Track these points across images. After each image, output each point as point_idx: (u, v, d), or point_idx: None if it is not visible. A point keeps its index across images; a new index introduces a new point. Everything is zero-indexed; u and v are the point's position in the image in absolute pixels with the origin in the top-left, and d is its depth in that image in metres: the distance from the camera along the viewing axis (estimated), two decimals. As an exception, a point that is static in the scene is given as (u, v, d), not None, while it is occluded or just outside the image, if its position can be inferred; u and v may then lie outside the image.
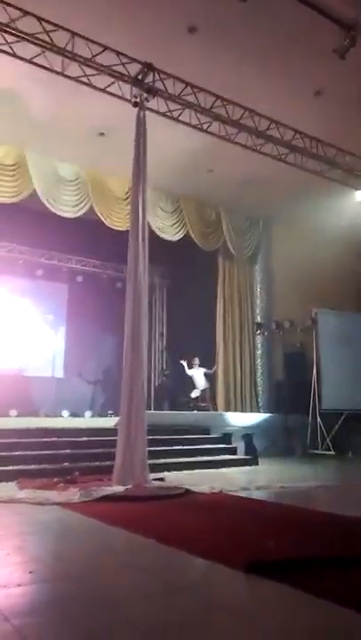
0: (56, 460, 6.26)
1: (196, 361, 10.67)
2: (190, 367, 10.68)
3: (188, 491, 5.06)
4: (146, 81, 6.42)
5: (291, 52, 6.56)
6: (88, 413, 10.35)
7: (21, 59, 5.87)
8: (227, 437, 8.30)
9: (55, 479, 5.54)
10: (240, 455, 7.96)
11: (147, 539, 3.34)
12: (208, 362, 10.87)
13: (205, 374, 10.71)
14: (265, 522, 3.94)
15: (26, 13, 5.58)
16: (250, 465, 7.61)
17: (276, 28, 6.21)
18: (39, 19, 5.67)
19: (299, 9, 5.79)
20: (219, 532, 3.57)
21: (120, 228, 9.21)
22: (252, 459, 7.79)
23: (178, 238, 10.26)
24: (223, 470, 7.08)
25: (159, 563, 2.95)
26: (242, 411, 10.74)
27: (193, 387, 10.71)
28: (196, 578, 2.66)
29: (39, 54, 5.91)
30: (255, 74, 6.90)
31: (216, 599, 2.40)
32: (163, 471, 6.34)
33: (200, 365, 10.70)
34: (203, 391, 10.67)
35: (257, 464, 7.72)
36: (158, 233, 9.73)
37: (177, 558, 2.97)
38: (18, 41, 5.71)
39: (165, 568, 2.84)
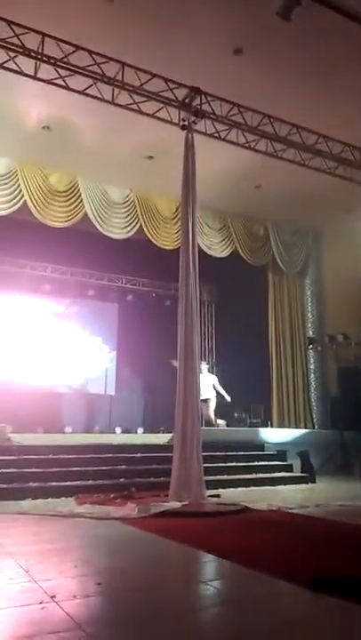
0: (112, 475, 6.36)
1: (203, 366, 9.49)
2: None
3: (246, 508, 5.02)
4: (193, 104, 6.60)
5: (337, 68, 6.59)
6: (140, 430, 10.46)
7: (74, 91, 6.18)
8: (282, 454, 8.17)
9: (112, 495, 5.63)
10: (296, 472, 7.82)
11: (208, 554, 3.35)
12: (262, 377, 10.73)
13: (213, 385, 9.74)
14: (326, 539, 3.87)
15: (78, 48, 5.89)
16: (307, 482, 7.45)
17: (320, 45, 6.27)
18: (90, 52, 5.97)
19: (343, 26, 5.85)
20: (280, 548, 3.53)
21: (168, 247, 9.41)
22: (308, 476, 7.63)
23: (226, 255, 10.34)
24: (279, 488, 6.97)
25: (221, 577, 2.96)
26: (296, 427, 10.56)
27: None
28: (259, 592, 2.65)
29: (91, 85, 6.20)
30: (301, 91, 6.97)
31: (281, 614, 2.39)
32: (218, 488, 6.32)
33: (209, 371, 9.84)
34: (203, 402, 8.94)
35: (314, 482, 7.55)
36: (206, 250, 9.84)
37: (239, 573, 2.97)
38: (71, 74, 6.03)
39: (228, 582, 2.85)
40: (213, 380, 9.91)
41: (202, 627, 2.16)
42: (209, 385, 9.77)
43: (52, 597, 2.40)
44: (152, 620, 2.21)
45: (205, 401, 9.41)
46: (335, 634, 2.14)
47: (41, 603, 2.33)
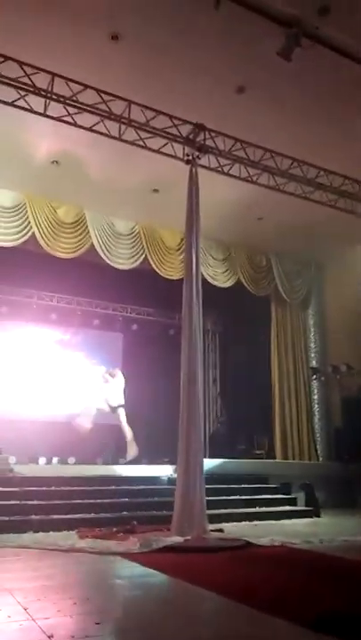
0: (114, 508, 6.28)
1: (117, 373, 9.36)
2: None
3: (248, 543, 4.94)
4: (197, 140, 6.76)
5: (337, 104, 6.78)
6: (144, 461, 10.34)
7: (83, 127, 6.36)
8: (286, 487, 8.06)
9: (114, 529, 5.56)
10: (300, 506, 7.69)
11: (208, 591, 3.30)
12: (265, 408, 10.65)
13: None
14: (330, 576, 3.80)
15: (86, 87, 6.10)
16: (311, 517, 7.33)
17: (321, 82, 6.46)
18: (98, 91, 6.17)
19: (343, 64, 6.05)
20: (282, 585, 3.46)
21: (172, 277, 9.50)
22: (313, 510, 7.50)
23: (229, 285, 10.42)
24: (283, 522, 6.86)
25: (220, 616, 2.91)
26: (300, 459, 10.43)
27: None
28: (260, 633, 2.59)
29: (98, 122, 6.39)
30: (302, 126, 7.15)
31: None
32: (221, 522, 6.23)
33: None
34: (113, 410, 9.15)
35: (318, 516, 7.43)
36: (210, 280, 9.93)
37: (239, 612, 2.91)
38: (79, 112, 6.22)
39: (227, 622, 2.79)
40: (121, 381, 9.45)
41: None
42: (119, 390, 9.31)
43: (49, 637, 2.37)
44: (151, 662, 2.17)
45: (115, 409, 9.22)
46: None
47: (39, 643, 2.30)
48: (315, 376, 11.30)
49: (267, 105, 6.84)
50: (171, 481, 6.51)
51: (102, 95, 6.20)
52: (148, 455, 10.73)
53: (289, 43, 5.73)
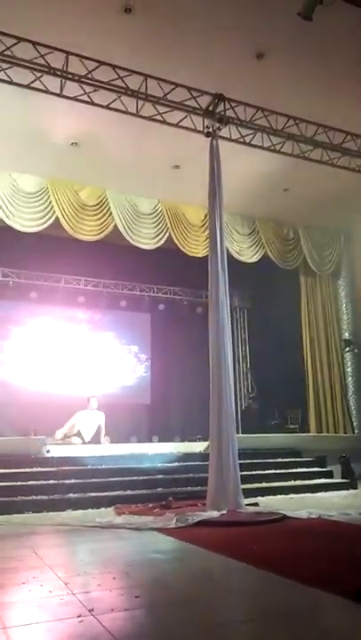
0: (150, 485, 6.36)
1: (93, 401, 8.76)
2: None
3: (284, 516, 4.93)
4: (217, 111, 6.59)
5: (359, 64, 6.47)
6: (177, 438, 10.44)
7: (99, 105, 6.27)
8: (321, 460, 8.00)
9: (151, 504, 5.63)
10: (337, 479, 7.64)
11: (245, 564, 3.30)
12: (298, 382, 10.56)
13: (100, 425, 8.62)
14: (370, 549, 3.75)
15: (101, 63, 5.99)
16: (348, 489, 7.26)
17: (343, 43, 6.18)
18: (113, 67, 6.06)
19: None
20: (321, 557, 3.44)
21: (197, 255, 9.40)
22: (349, 482, 7.43)
23: (256, 260, 10.25)
24: (319, 495, 6.83)
25: (259, 588, 2.91)
26: (335, 432, 10.33)
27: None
28: (301, 605, 2.58)
29: (115, 99, 6.29)
30: (325, 91, 6.88)
31: (325, 627, 2.31)
32: (256, 496, 6.24)
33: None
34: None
35: (356, 487, 7.36)
36: (236, 256, 9.80)
37: (277, 584, 2.90)
38: (95, 90, 6.13)
39: (266, 593, 2.79)
40: (101, 419, 8.84)
41: (241, 641, 2.11)
42: (95, 425, 8.73)
43: (90, 611, 2.40)
44: (191, 636, 2.18)
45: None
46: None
47: (79, 616, 2.34)
48: (347, 348, 11.09)
49: (288, 70, 6.60)
50: (205, 457, 6.53)
51: (118, 71, 6.09)
52: (181, 432, 10.83)
53: (310, 1, 5.47)
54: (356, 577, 2.90)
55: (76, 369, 11.08)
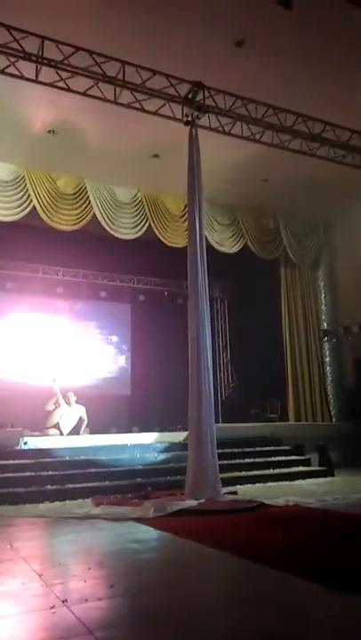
0: (129, 475, 6.36)
1: (71, 396, 8.87)
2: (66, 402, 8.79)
3: (262, 504, 4.97)
4: (196, 99, 6.53)
5: (340, 54, 6.46)
6: (157, 428, 10.44)
7: (76, 92, 6.16)
8: (299, 449, 8.09)
9: (129, 495, 5.63)
10: (314, 467, 7.73)
11: (221, 552, 3.32)
12: (277, 372, 10.65)
13: (81, 416, 8.78)
14: (344, 532, 3.81)
15: (77, 49, 5.87)
16: (325, 476, 7.37)
17: (323, 32, 6.14)
18: (90, 52, 5.94)
19: (346, 10, 5.74)
20: (295, 543, 3.48)
21: (178, 245, 9.35)
22: (327, 470, 7.54)
23: (236, 250, 10.25)
24: (298, 482, 6.91)
25: (234, 575, 2.93)
26: (313, 421, 10.46)
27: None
28: (273, 590, 2.61)
29: (92, 86, 6.18)
30: (305, 80, 6.84)
31: (297, 612, 2.34)
32: (235, 485, 6.28)
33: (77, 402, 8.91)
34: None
35: (333, 475, 7.46)
36: (216, 247, 9.77)
37: (253, 571, 2.93)
38: (71, 76, 6.01)
39: (240, 581, 2.81)
40: (82, 411, 8.98)
41: (217, 628, 2.12)
42: (74, 418, 8.82)
43: (63, 602, 2.39)
44: (165, 623, 2.18)
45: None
46: (352, 632, 2.09)
47: (52, 607, 2.33)
48: (326, 338, 11.20)
49: (267, 58, 6.54)
50: (184, 447, 6.55)
51: (95, 57, 5.98)
52: (161, 423, 10.83)
53: (288, -11, 5.44)
54: (329, 562, 2.94)
55: (56, 360, 10.98)
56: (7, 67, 5.78)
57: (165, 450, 7.32)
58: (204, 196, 6.64)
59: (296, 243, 10.88)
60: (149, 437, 8.09)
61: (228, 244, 10.15)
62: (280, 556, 3.12)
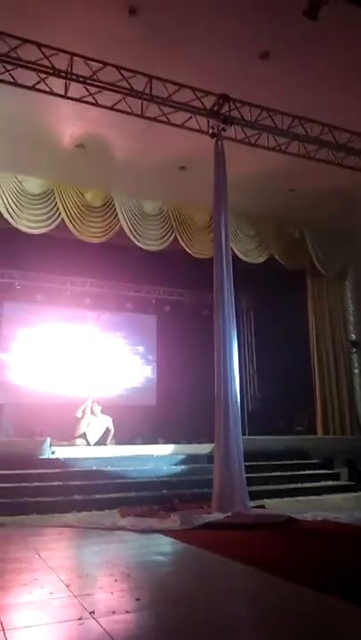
0: (155, 487, 6.34)
1: (96, 407, 9.10)
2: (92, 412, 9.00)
3: (290, 518, 4.88)
4: (222, 111, 6.57)
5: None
6: (183, 440, 10.39)
7: (104, 107, 6.27)
8: (328, 463, 7.94)
9: (155, 507, 5.60)
10: (343, 481, 7.57)
11: (248, 566, 3.27)
12: (304, 384, 10.50)
13: (107, 427, 9.02)
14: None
15: (105, 65, 5.99)
16: (355, 491, 7.20)
17: (348, 42, 6.12)
18: (118, 67, 6.05)
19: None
20: (325, 560, 3.40)
21: (203, 256, 9.36)
22: (356, 485, 7.37)
23: (262, 261, 10.20)
24: (326, 497, 6.76)
25: (262, 591, 2.87)
26: (342, 434, 10.25)
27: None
28: (304, 608, 2.54)
29: (120, 100, 6.29)
30: (331, 90, 6.80)
31: (328, 631, 2.27)
32: (262, 498, 6.19)
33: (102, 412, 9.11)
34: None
35: (362, 490, 7.29)
36: (242, 257, 9.75)
37: (280, 587, 2.87)
38: (100, 91, 6.13)
39: (269, 596, 2.75)
40: (108, 422, 9.20)
41: (243, 645, 2.08)
42: (101, 428, 9.04)
43: (90, 613, 2.38)
44: (191, 637, 2.15)
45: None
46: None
47: (80, 619, 2.32)
48: (355, 349, 11.00)
49: (293, 70, 6.53)
50: (210, 459, 6.50)
51: (122, 72, 6.08)
52: (187, 434, 10.78)
53: (315, 0, 5.44)
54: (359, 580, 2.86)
55: (83, 371, 11.08)
56: (37, 83, 5.93)
57: (191, 461, 7.28)
58: (229, 206, 6.64)
59: (322, 253, 10.76)
60: (175, 449, 8.05)
61: (253, 255, 10.11)
62: (309, 572, 3.04)
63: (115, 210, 9.09)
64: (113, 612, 2.41)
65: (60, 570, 3.22)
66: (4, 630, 2.20)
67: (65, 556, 3.80)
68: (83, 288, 11.33)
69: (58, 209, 8.68)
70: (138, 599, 2.63)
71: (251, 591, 2.93)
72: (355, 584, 2.78)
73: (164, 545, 4.07)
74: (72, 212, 8.76)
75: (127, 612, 2.45)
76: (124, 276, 11.31)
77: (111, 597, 2.67)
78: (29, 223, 8.46)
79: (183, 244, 9.58)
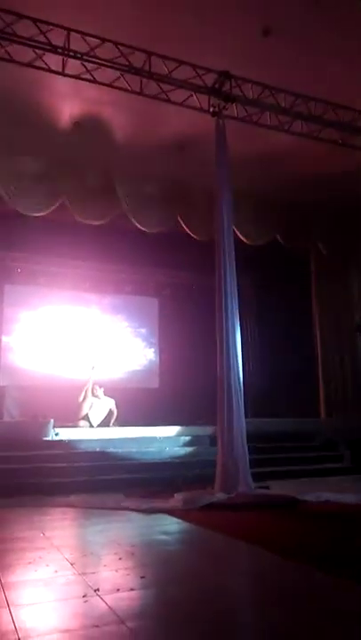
0: (159, 468, 6.35)
1: (99, 391, 9.13)
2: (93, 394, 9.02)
3: (293, 499, 4.89)
4: (223, 89, 6.44)
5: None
6: (186, 421, 10.41)
7: (102, 84, 6.15)
8: (331, 445, 7.95)
9: (159, 487, 5.62)
10: (347, 463, 7.58)
11: (251, 545, 3.27)
12: (308, 366, 10.47)
13: (110, 409, 9.10)
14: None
15: (103, 40, 5.85)
16: (358, 473, 7.21)
17: (351, 17, 5.96)
18: (116, 44, 5.92)
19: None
20: (329, 540, 3.40)
21: (205, 238, 9.27)
22: (359, 466, 7.38)
23: (264, 242, 10.10)
24: (329, 478, 6.78)
25: (265, 570, 2.87)
26: (345, 417, 10.23)
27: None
28: (308, 586, 2.54)
29: (118, 77, 6.16)
30: (334, 67, 6.65)
31: (324, 607, 2.26)
32: (266, 480, 6.20)
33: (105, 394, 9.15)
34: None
35: (366, 471, 7.30)
36: (244, 239, 9.64)
37: (284, 566, 2.87)
38: (98, 67, 6.00)
39: (272, 574, 2.75)
40: (111, 404, 9.26)
41: (248, 620, 2.08)
42: (104, 410, 9.10)
43: (95, 590, 2.38)
44: (195, 615, 2.15)
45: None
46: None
47: (84, 596, 2.32)
48: (359, 332, 10.93)
49: (295, 46, 6.37)
50: (213, 440, 6.51)
51: (121, 48, 5.94)
52: (190, 416, 10.77)
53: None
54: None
55: (85, 353, 11.07)
56: (34, 60, 5.81)
57: (194, 443, 7.30)
58: (231, 187, 6.55)
59: (326, 235, 10.64)
60: (178, 431, 8.07)
61: (255, 237, 9.99)
62: (313, 553, 3.05)
63: (115, 191, 8.96)
64: (117, 590, 2.42)
65: (64, 548, 3.23)
66: (9, 607, 2.20)
67: (69, 535, 3.81)
68: (84, 271, 11.26)
69: (57, 190, 8.56)
70: (142, 577, 2.64)
71: (255, 570, 2.93)
72: (359, 563, 2.78)
73: (168, 525, 4.08)
74: (72, 193, 8.64)
75: (132, 589, 2.45)
76: (125, 259, 11.20)
77: (116, 575, 2.68)
78: (28, 204, 8.36)
79: (184, 226, 9.48)
